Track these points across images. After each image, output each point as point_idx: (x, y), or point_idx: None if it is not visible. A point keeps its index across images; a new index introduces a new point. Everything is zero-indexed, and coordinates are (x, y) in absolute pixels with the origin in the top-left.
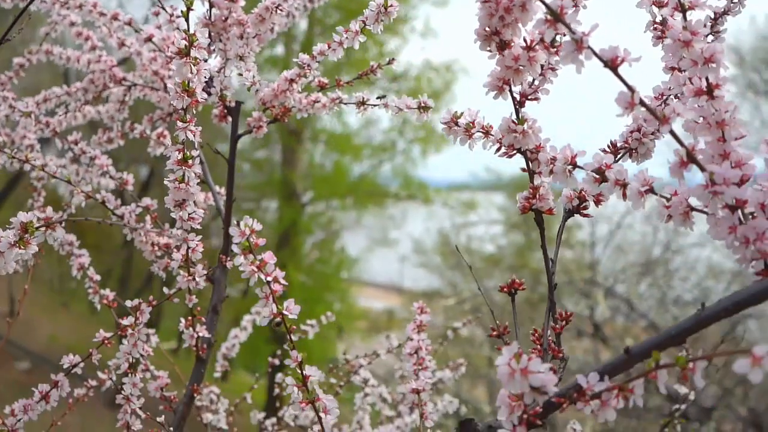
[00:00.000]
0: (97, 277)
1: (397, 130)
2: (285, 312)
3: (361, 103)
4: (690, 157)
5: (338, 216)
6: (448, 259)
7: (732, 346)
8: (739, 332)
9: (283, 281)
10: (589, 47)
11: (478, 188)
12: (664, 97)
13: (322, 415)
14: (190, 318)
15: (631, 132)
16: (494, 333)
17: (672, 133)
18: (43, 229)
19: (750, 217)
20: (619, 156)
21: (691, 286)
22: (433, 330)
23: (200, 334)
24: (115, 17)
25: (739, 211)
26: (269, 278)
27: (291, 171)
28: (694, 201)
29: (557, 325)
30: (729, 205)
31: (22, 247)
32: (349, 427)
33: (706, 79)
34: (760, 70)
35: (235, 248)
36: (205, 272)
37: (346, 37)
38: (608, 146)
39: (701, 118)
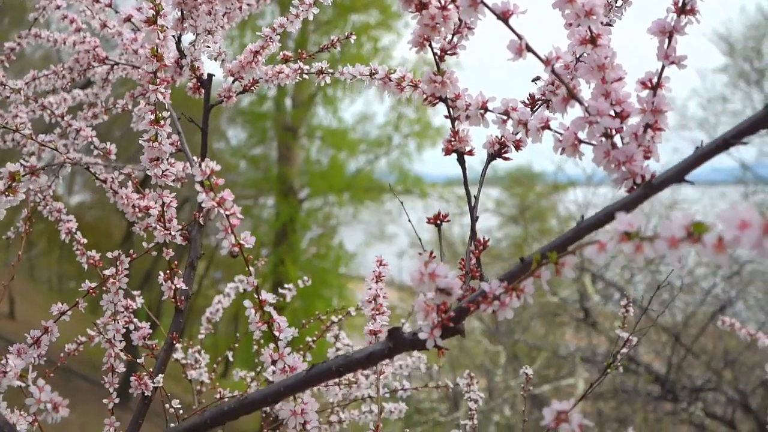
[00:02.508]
0: (84, 240)
1: (392, 125)
2: (242, 242)
3: (320, 72)
4: (571, 94)
5: (335, 211)
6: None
7: (718, 330)
8: (724, 315)
9: (239, 215)
10: (482, 2)
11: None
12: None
13: (276, 333)
14: (168, 271)
15: (547, 85)
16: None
17: (554, 73)
18: (29, 176)
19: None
20: (537, 106)
21: (685, 273)
22: None
23: (178, 287)
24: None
25: (619, 140)
26: (228, 213)
27: (287, 167)
28: (582, 136)
29: (477, 250)
30: (604, 134)
31: (10, 193)
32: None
33: (589, 29)
34: (751, 59)
35: (197, 186)
36: (180, 227)
37: (302, 10)
38: (527, 98)
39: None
